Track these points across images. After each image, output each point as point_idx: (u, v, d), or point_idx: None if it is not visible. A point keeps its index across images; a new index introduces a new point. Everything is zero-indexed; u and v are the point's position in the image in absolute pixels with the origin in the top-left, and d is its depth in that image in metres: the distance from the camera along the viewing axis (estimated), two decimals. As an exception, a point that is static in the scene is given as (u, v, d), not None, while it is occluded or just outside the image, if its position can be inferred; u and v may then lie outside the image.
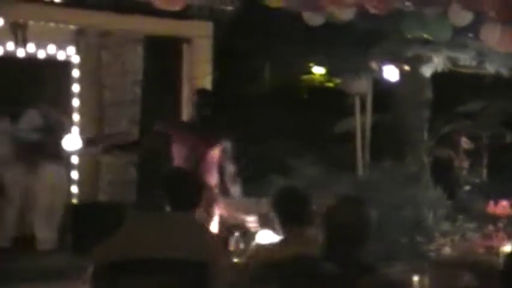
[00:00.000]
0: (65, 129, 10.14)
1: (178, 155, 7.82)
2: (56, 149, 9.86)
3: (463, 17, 7.52)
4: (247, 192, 11.37)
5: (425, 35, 8.76)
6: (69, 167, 10.54)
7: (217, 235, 6.69)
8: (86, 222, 9.66)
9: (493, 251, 8.75)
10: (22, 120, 9.96)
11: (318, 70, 14.36)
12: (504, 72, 10.52)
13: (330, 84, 14.92)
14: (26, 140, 9.83)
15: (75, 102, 10.77)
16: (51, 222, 9.87)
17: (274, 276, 4.14)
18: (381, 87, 11.78)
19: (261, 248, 5.03)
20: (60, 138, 9.84)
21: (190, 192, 4.96)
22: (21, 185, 9.86)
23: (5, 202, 9.70)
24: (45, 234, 9.81)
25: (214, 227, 7.49)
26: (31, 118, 9.97)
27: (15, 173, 9.80)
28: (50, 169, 9.87)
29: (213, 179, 8.04)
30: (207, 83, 10.63)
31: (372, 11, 5.99)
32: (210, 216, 7.50)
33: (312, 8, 6.94)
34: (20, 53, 10.28)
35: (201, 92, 8.65)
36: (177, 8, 7.40)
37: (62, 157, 10.00)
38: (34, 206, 9.85)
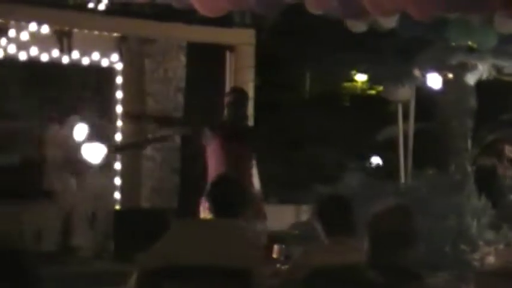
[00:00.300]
0: (109, 137, 10.23)
1: (220, 160, 7.64)
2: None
3: (508, 25, 7.46)
4: (288, 199, 11.38)
5: (470, 43, 8.70)
6: (113, 173, 10.62)
7: (261, 242, 6.68)
8: (129, 228, 9.72)
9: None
10: (69, 127, 10.05)
11: (361, 77, 14.32)
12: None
13: (372, 92, 14.87)
14: (73, 147, 9.92)
15: (119, 109, 10.84)
16: (95, 228, 9.95)
17: (319, 285, 4.12)
18: (424, 94, 11.71)
19: (305, 255, 5.00)
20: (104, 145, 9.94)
21: (235, 200, 4.96)
22: (68, 191, 9.96)
23: (52, 207, 9.80)
24: (89, 240, 9.89)
25: (258, 234, 7.45)
26: (77, 125, 10.06)
27: (63, 180, 9.90)
28: (94, 176, 9.95)
29: (253, 184, 7.95)
30: (249, 90, 10.64)
31: (416, 17, 5.95)
32: (254, 223, 7.45)
33: (353, 15, 6.92)
34: (65, 59, 10.37)
35: (236, 91, 8.23)
36: (219, 15, 7.41)
37: (105, 164, 10.07)
38: (79, 212, 9.93)
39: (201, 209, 7.29)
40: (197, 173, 9.34)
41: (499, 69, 10.60)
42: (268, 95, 12.55)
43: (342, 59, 11.37)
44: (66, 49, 10.25)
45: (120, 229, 10.00)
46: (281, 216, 10.24)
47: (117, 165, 10.74)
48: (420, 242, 4.05)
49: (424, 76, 11.10)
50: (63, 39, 10.20)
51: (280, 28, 10.89)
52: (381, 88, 13.38)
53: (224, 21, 9.55)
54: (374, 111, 13.50)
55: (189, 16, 9.99)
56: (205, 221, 5.00)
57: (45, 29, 10.02)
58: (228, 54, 11.06)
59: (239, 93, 8.00)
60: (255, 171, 8.32)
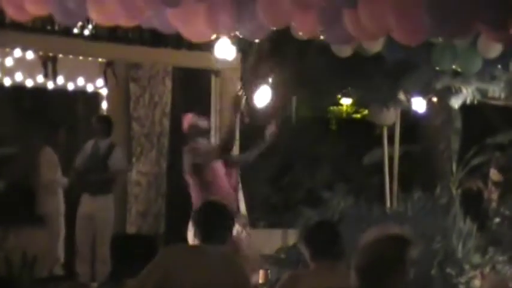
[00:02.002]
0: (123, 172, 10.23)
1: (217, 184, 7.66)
2: (110, 181, 9.95)
3: (492, 49, 7.51)
4: (276, 223, 11.37)
5: (454, 67, 8.75)
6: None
7: (246, 267, 6.66)
8: (118, 253, 9.70)
9: (524, 284, 8.65)
10: (82, 151, 10.03)
11: (346, 101, 14.36)
12: (534, 103, 10.47)
13: (358, 116, 14.91)
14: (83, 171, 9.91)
15: (104, 134, 10.81)
16: (95, 253, 9.90)
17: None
18: (409, 118, 11.75)
19: (291, 280, 5.00)
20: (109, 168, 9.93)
21: (223, 226, 4.95)
22: (59, 215, 9.94)
23: (43, 232, 9.75)
24: (86, 266, 9.84)
25: (244, 258, 7.44)
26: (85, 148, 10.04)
27: (54, 204, 9.89)
28: (102, 200, 9.92)
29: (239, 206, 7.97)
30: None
31: (401, 41, 5.99)
32: (239, 248, 7.44)
33: (338, 40, 6.95)
34: (50, 85, 10.36)
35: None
36: (204, 40, 7.43)
37: (111, 189, 10.03)
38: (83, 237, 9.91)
39: (189, 234, 7.28)
40: (184, 198, 9.34)
41: (483, 93, 10.65)
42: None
43: (327, 82, 11.40)
44: (51, 75, 10.25)
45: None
46: (268, 240, 10.23)
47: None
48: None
49: (409, 100, 11.14)
50: (48, 64, 10.20)
51: (266, 52, 10.92)
52: (366, 112, 13.42)
53: (210, 46, 9.58)
54: (360, 134, 13.54)
55: (175, 41, 10.03)
56: (192, 247, 4.98)
57: (30, 55, 10.01)
58: (213, 78, 11.08)
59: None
60: (241, 196, 8.33)
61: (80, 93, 10.76)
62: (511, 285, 8.84)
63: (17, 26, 9.09)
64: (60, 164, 10.01)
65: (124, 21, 6.45)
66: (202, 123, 8.22)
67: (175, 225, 10.36)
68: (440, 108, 11.82)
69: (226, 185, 7.74)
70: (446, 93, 10.79)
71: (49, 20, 9.74)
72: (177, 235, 8.63)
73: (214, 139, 10.20)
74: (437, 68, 9.36)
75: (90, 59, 10.58)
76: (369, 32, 5.76)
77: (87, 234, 9.86)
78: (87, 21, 9.38)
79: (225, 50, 8.28)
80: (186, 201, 8.17)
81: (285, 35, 7.12)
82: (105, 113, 10.81)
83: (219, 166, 7.90)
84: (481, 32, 6.16)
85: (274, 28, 6.25)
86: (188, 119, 8.09)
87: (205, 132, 8.26)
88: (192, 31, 6.50)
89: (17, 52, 9.90)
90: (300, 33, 6.81)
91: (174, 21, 6.39)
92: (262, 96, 8.59)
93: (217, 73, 11.02)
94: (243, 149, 9.75)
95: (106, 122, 10.14)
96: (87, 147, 10.03)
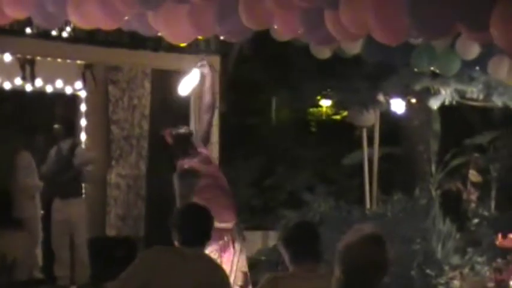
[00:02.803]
0: (87, 163, 10.20)
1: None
2: (79, 183, 9.94)
3: (470, 51, 7.54)
4: (256, 225, 11.36)
5: (433, 69, 8.78)
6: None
7: (226, 270, 6.64)
8: (97, 256, 9.66)
9: (503, 284, 8.69)
10: (50, 153, 10.01)
11: (325, 102, 14.39)
12: None
13: (337, 117, 14.94)
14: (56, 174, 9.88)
15: (83, 137, 10.77)
16: (74, 257, 9.87)
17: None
18: (388, 119, 11.79)
19: (270, 282, 4.97)
20: (83, 171, 9.91)
21: (202, 228, 4.94)
22: (37, 219, 9.90)
23: (21, 236, 9.71)
24: (65, 269, 9.81)
25: (224, 261, 7.40)
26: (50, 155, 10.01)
27: (32, 207, 9.84)
28: (75, 203, 9.90)
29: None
30: (214, 115, 10.62)
31: (382, 42, 6.00)
32: (220, 251, 7.40)
33: (319, 41, 6.94)
34: (28, 87, 10.31)
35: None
36: (186, 42, 7.42)
37: (82, 192, 10.02)
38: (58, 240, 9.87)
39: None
40: (164, 201, 9.29)
41: (461, 94, 10.70)
42: (235, 121, 12.57)
43: (307, 84, 11.43)
44: (29, 77, 10.20)
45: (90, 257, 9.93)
46: (249, 242, 10.22)
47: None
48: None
49: (388, 101, 11.18)
50: (26, 67, 10.15)
51: (246, 55, 10.94)
52: (345, 113, 13.44)
53: (189, 48, 9.55)
54: (340, 136, 13.57)
55: (154, 43, 10.00)
56: (172, 250, 4.96)
57: (7, 57, 9.95)
58: (193, 80, 11.04)
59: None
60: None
61: (59, 95, 10.71)
62: (489, 285, 8.88)
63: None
64: (38, 168, 9.98)
65: (104, 24, 6.42)
66: (183, 129, 8.16)
67: (155, 228, 10.33)
68: (419, 110, 11.86)
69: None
70: (425, 94, 10.84)
71: (27, 22, 9.70)
72: (157, 238, 8.60)
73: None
74: (416, 70, 9.39)
75: (68, 61, 10.52)
76: (350, 33, 5.76)
77: (63, 238, 9.85)
78: (66, 23, 9.32)
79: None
80: (166, 204, 8.14)
81: (264, 36, 7.12)
82: (83, 115, 10.78)
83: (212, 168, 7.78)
84: (461, 33, 6.17)
85: (256, 29, 6.24)
86: (168, 133, 8.04)
87: (190, 136, 8.20)
88: (174, 33, 6.48)
89: (-6, 55, 9.84)
90: (281, 35, 6.80)
91: (155, 23, 6.36)
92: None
93: (196, 75, 10.98)
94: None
95: (64, 123, 10.18)
96: (51, 153, 10.06)
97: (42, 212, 10.05)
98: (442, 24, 5.28)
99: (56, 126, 10.22)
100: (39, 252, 9.93)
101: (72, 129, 10.58)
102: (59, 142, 10.03)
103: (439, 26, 5.32)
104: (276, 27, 6.53)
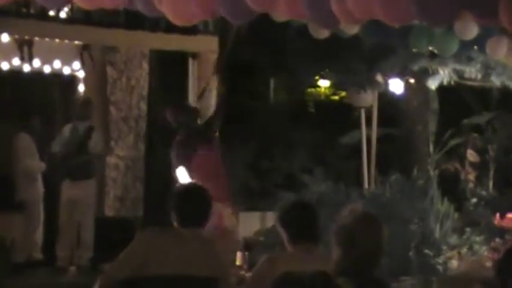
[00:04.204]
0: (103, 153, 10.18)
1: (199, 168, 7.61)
2: (91, 165, 9.90)
3: (469, 31, 7.51)
4: (255, 206, 11.38)
5: (431, 49, 8.77)
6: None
7: (225, 250, 6.66)
8: (98, 237, 9.70)
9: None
10: (60, 136, 9.96)
11: (324, 83, 14.36)
12: (510, 85, 10.50)
13: (335, 98, 14.92)
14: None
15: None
16: (79, 238, 9.86)
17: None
18: (387, 100, 11.78)
19: (268, 263, 4.97)
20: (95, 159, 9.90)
21: (200, 209, 4.94)
22: (39, 201, 9.89)
23: (23, 218, 9.69)
24: (67, 250, 9.81)
25: (222, 241, 7.43)
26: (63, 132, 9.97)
27: (34, 190, 9.82)
28: (85, 185, 9.86)
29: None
30: (212, 97, 10.64)
31: (387, 23, 5.98)
32: (218, 231, 7.44)
33: (323, 23, 6.89)
34: (26, 68, 10.29)
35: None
36: (191, 24, 7.35)
37: (93, 174, 9.98)
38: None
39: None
40: (162, 182, 9.31)
41: (460, 74, 10.69)
42: (234, 103, 12.54)
43: (305, 65, 11.39)
44: (27, 58, 10.17)
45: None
46: (247, 223, 10.24)
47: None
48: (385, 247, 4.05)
49: (386, 82, 11.16)
50: (24, 47, 10.12)
51: (244, 36, 10.89)
52: (343, 94, 13.42)
53: (187, 29, 9.53)
54: (338, 117, 13.55)
55: (152, 24, 9.97)
56: (169, 230, 4.96)
57: (5, 38, 9.93)
58: (191, 61, 11.04)
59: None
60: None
61: (57, 76, 10.69)
62: (487, 265, 8.90)
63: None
64: (37, 148, 9.92)
65: (108, 4, 6.38)
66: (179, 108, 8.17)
67: (153, 209, 10.35)
68: (417, 90, 11.85)
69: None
70: (423, 74, 10.83)
71: (25, 3, 9.68)
72: (155, 219, 8.62)
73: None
74: (414, 50, 9.38)
75: (66, 42, 10.50)
76: (355, 16, 5.73)
77: (71, 219, 9.81)
78: (66, 3, 9.29)
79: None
80: (165, 185, 8.16)
81: (263, 17, 7.09)
82: (83, 96, 10.75)
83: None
84: (462, 13, 6.14)
85: (260, 12, 6.19)
86: (169, 112, 8.03)
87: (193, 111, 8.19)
88: (179, 14, 6.39)
89: (-7, 35, 9.82)
90: (282, 16, 6.74)
91: (160, 4, 6.28)
92: None
93: (194, 56, 10.99)
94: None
95: (87, 104, 10.10)
96: (65, 131, 9.96)
97: (43, 190, 9.97)
98: (449, 11, 5.26)
99: (77, 102, 10.10)
100: (39, 233, 9.90)
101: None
102: (76, 122, 9.93)
103: (446, 13, 5.30)
104: (280, 8, 6.48)
